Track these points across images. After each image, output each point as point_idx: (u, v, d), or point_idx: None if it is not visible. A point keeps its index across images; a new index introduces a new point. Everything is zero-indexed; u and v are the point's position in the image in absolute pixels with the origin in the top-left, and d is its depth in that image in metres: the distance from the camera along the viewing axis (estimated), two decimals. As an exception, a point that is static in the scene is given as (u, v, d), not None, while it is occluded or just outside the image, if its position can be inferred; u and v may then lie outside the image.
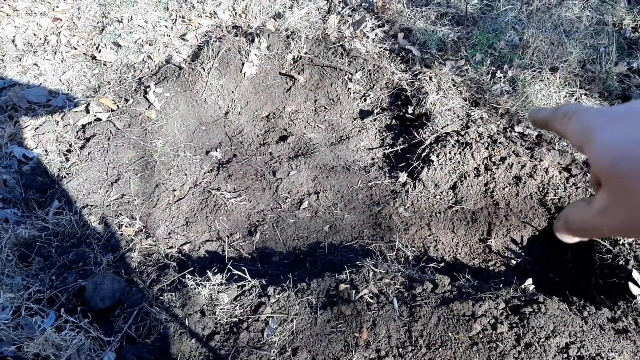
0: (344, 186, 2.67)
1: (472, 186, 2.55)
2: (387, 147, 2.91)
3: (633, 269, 2.08)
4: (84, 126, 2.84)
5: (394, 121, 3.04)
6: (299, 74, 3.19)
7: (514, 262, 2.43)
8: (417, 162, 2.68)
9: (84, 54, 3.27)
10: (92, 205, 2.47)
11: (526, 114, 2.88)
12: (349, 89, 3.13)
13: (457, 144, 2.64)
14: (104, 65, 3.22)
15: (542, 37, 3.37)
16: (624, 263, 2.15)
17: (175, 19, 3.53)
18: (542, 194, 2.48)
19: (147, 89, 2.96)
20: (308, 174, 2.73)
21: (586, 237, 0.47)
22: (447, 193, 2.59)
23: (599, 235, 0.44)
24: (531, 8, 3.64)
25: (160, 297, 2.01)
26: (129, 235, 2.36)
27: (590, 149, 0.41)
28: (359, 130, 2.99)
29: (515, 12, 3.64)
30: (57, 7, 3.54)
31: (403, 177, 2.66)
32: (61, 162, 2.66)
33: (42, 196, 2.52)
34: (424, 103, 2.91)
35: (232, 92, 3.13)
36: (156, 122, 2.88)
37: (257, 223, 2.53)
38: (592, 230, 0.44)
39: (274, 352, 1.79)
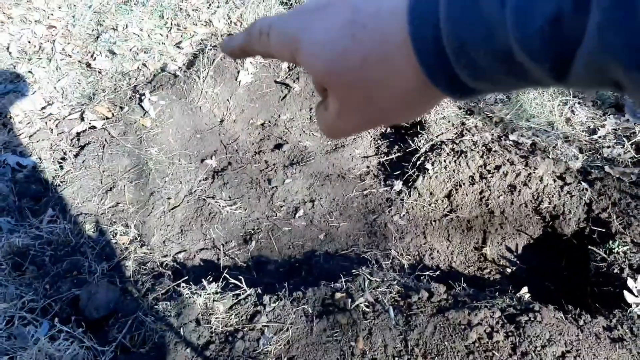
0: (339, 194, 2.67)
1: (467, 194, 2.56)
2: (382, 155, 2.92)
3: (628, 277, 2.09)
4: (78, 134, 2.83)
5: (389, 129, 3.05)
6: (294, 82, 3.19)
7: (509, 270, 2.43)
8: (412, 171, 2.68)
9: (79, 61, 3.26)
10: (86, 214, 2.46)
11: (520, 123, 2.90)
12: (344, 97, 3.13)
13: (452, 153, 2.64)
14: (99, 73, 3.21)
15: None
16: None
17: (171, 27, 3.53)
18: (537, 202, 2.49)
19: (142, 97, 2.95)
20: (303, 182, 2.73)
21: (338, 137, 0.47)
22: (442, 201, 2.59)
23: (346, 135, 0.45)
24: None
25: (155, 306, 2.00)
26: (123, 244, 2.35)
27: (301, 56, 0.38)
28: (354, 139, 3.00)
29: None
30: (52, 14, 3.53)
31: (398, 185, 2.66)
32: (55, 170, 2.65)
33: (36, 204, 2.51)
34: (419, 111, 2.91)
35: (228, 100, 3.13)
36: (151, 130, 2.88)
37: (252, 231, 2.53)
38: (339, 133, 0.44)
39: (269, 361, 1.79)
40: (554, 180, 2.52)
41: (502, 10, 0.28)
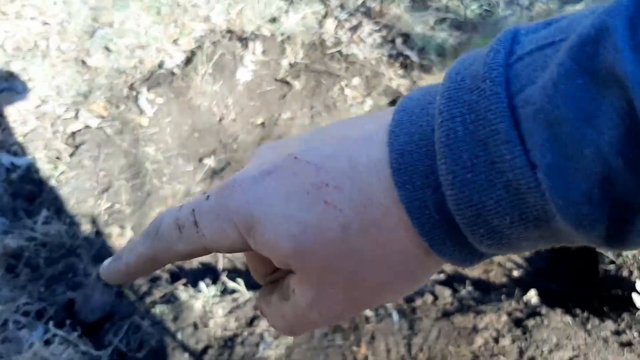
0: (341, 194, 2.64)
1: (471, 194, 2.53)
2: (384, 154, 2.89)
3: (637, 280, 2.06)
4: (73, 133, 2.80)
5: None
6: (295, 80, 3.16)
7: (516, 273, 2.40)
8: (415, 170, 2.65)
9: (74, 59, 3.23)
10: (81, 215, 2.44)
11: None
12: (345, 95, 3.11)
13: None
14: (95, 70, 3.17)
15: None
16: (627, 274, 2.13)
17: (168, 23, 3.49)
18: (543, 203, 2.46)
19: (139, 95, 2.93)
20: (304, 182, 2.69)
21: (306, 331, 0.37)
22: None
23: (318, 328, 0.36)
24: (531, 14, 3.64)
25: (152, 310, 1.99)
26: (119, 246, 2.33)
27: (257, 236, 0.30)
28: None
29: (515, 18, 3.63)
30: (47, 11, 3.49)
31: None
32: (50, 169, 2.62)
33: (31, 205, 2.48)
34: (422, 109, 2.89)
35: (227, 98, 3.09)
36: (148, 129, 2.85)
37: (251, 232, 2.50)
38: (309, 326, 0.34)
39: (269, 368, 1.77)
40: (560, 180, 2.49)
41: (532, 173, 0.23)
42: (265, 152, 0.34)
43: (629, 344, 1.83)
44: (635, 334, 1.87)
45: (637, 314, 1.95)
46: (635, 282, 2.06)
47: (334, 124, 0.34)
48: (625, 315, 1.95)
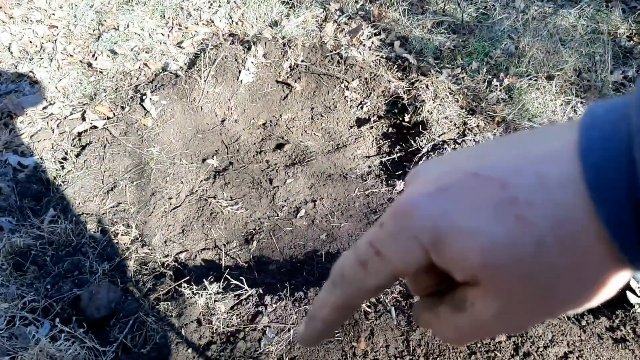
0: (341, 194, 2.67)
1: (469, 194, 2.55)
2: (384, 155, 2.91)
3: (631, 278, 2.07)
4: (79, 134, 2.83)
5: (390, 129, 3.05)
6: (295, 82, 3.19)
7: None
8: (414, 170, 2.67)
9: (80, 61, 3.26)
10: (87, 214, 2.46)
11: (522, 122, 2.89)
12: (345, 97, 3.13)
13: (454, 152, 2.64)
14: (100, 72, 3.21)
15: (537, 45, 3.39)
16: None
17: (172, 27, 3.53)
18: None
19: (144, 97, 2.95)
20: (305, 182, 2.72)
21: (474, 340, 0.38)
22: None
23: (489, 337, 0.37)
24: (527, 17, 3.66)
25: (157, 307, 2.00)
26: (124, 244, 2.35)
27: (444, 249, 0.31)
28: (355, 138, 2.99)
29: (511, 21, 3.66)
30: (54, 14, 3.53)
31: (400, 185, 2.66)
32: (57, 169, 2.65)
33: (38, 204, 2.50)
34: (421, 111, 2.91)
35: (229, 99, 3.12)
36: (152, 130, 2.88)
37: (253, 231, 2.52)
38: (483, 336, 0.35)
39: (271, 362, 1.78)
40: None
41: None
42: (430, 170, 0.34)
43: (623, 340, 1.84)
44: (630, 330, 1.87)
45: (631, 311, 1.95)
46: (629, 280, 2.07)
47: (498, 141, 0.34)
48: (620, 312, 1.96)
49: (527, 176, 0.29)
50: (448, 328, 0.36)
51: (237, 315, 1.95)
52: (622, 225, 0.27)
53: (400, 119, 3.00)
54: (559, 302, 0.31)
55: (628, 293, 2.01)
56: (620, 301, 2.03)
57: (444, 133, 2.81)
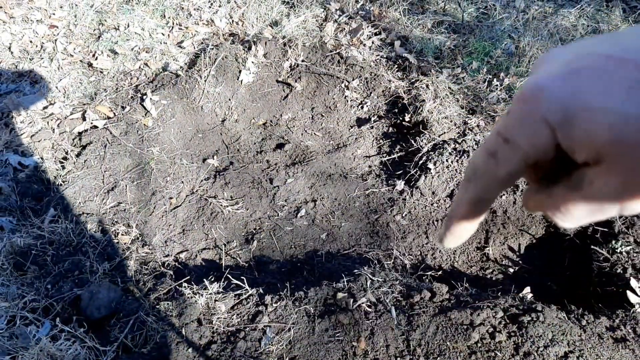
0: (341, 194, 2.67)
1: (469, 194, 2.55)
2: (384, 154, 2.91)
3: (631, 277, 2.08)
4: (80, 134, 2.83)
5: (391, 129, 3.05)
6: (296, 81, 3.19)
7: (511, 270, 2.42)
8: (414, 170, 2.68)
9: (81, 61, 3.26)
10: (88, 213, 2.46)
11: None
12: (345, 96, 3.13)
13: (454, 152, 2.64)
14: (101, 72, 3.21)
15: (538, 45, 3.39)
16: (621, 271, 2.15)
17: (172, 27, 3.53)
18: (540, 202, 2.48)
19: (144, 97, 2.95)
20: (305, 182, 2.72)
21: (585, 222, 0.38)
22: (445, 201, 2.59)
23: (602, 218, 0.36)
24: (527, 16, 3.66)
25: (157, 306, 2.00)
26: (125, 244, 2.35)
27: (572, 126, 0.32)
28: (356, 138, 2.99)
29: (511, 21, 3.66)
30: (54, 14, 3.53)
31: (400, 185, 2.66)
32: (57, 169, 2.65)
33: (38, 204, 2.51)
34: (421, 111, 2.91)
35: (229, 99, 3.12)
36: (153, 130, 2.88)
37: (254, 231, 2.52)
38: (597, 216, 0.36)
39: (271, 361, 1.78)
40: (557, 180, 2.51)
41: None
42: (559, 55, 0.35)
43: (623, 339, 1.84)
44: (630, 330, 1.87)
45: (631, 311, 1.95)
46: (629, 279, 2.07)
47: (628, 29, 0.34)
48: (620, 312, 1.96)
49: None
50: (560, 205, 0.37)
51: (238, 314, 1.96)
52: None
53: (401, 118, 3.00)
54: None
55: (628, 293, 2.02)
56: (620, 301, 2.03)
57: (444, 133, 2.81)
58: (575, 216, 0.37)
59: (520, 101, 0.34)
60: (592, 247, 2.31)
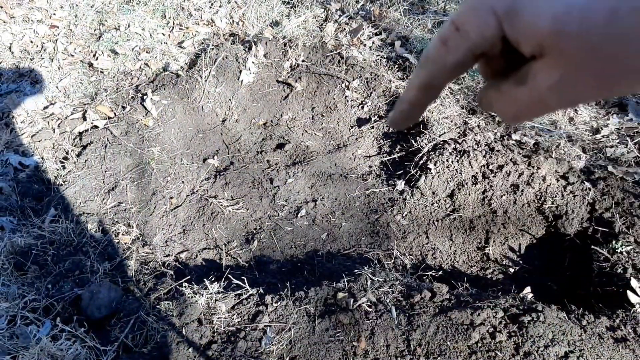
0: (342, 194, 2.67)
1: (469, 194, 2.55)
2: (385, 155, 2.91)
3: (631, 277, 2.08)
4: (80, 133, 2.84)
5: (391, 129, 3.04)
6: (296, 81, 3.19)
7: (512, 270, 2.42)
8: (415, 170, 2.68)
9: (81, 61, 3.27)
10: (88, 213, 2.46)
11: (523, 122, 2.88)
12: (346, 96, 3.13)
13: (455, 152, 2.64)
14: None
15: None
16: (622, 271, 2.15)
17: (173, 27, 3.53)
18: (540, 202, 2.49)
19: (144, 97, 2.95)
20: (305, 182, 2.72)
21: (529, 119, 0.39)
22: (445, 201, 2.59)
23: (544, 114, 0.37)
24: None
25: (157, 306, 2.00)
26: (125, 244, 2.35)
27: (516, 18, 0.32)
28: (356, 138, 2.99)
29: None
30: (54, 14, 3.54)
31: (400, 185, 2.66)
32: (58, 169, 2.65)
33: (38, 204, 2.51)
34: (422, 111, 2.91)
35: (230, 99, 3.12)
36: (153, 130, 2.88)
37: (254, 231, 2.52)
38: (539, 111, 0.36)
39: (271, 361, 1.78)
40: (557, 180, 2.51)
41: None
42: None
43: (623, 339, 1.84)
44: (630, 330, 1.87)
45: (631, 311, 1.95)
46: (629, 279, 2.07)
47: None
48: (620, 312, 1.96)
49: None
50: (507, 102, 0.37)
51: (238, 314, 1.96)
52: None
53: (401, 118, 3.00)
54: (622, 75, 0.31)
55: (628, 293, 2.01)
56: (620, 301, 2.03)
57: (445, 133, 2.81)
58: (519, 114, 0.37)
59: None
60: (592, 247, 2.31)
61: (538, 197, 2.50)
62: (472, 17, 0.35)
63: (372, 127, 3.04)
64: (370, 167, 2.85)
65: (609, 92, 0.33)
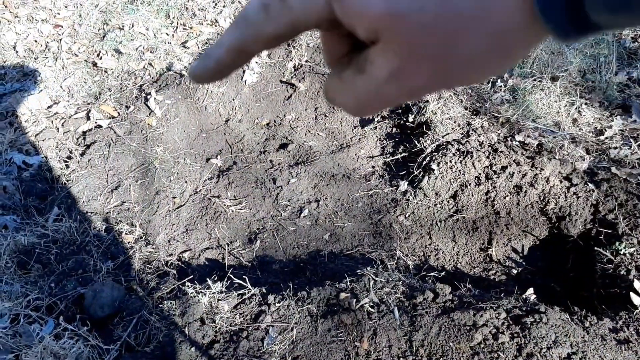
0: (345, 194, 2.67)
1: (472, 195, 2.55)
2: (388, 155, 2.91)
3: (635, 279, 2.07)
4: (84, 133, 2.84)
5: (394, 129, 3.04)
6: (299, 82, 3.19)
7: (514, 271, 2.42)
8: (418, 171, 2.68)
9: (85, 60, 3.28)
10: (92, 212, 2.47)
11: (526, 123, 2.88)
12: (349, 97, 3.12)
13: (458, 153, 2.64)
14: (105, 72, 3.22)
15: (542, 46, 3.38)
16: (625, 273, 2.14)
17: (177, 27, 3.54)
18: (543, 203, 2.48)
19: (148, 96, 2.96)
20: (308, 182, 2.73)
21: (373, 111, 0.35)
22: (448, 202, 2.58)
23: (388, 106, 0.33)
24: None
25: (160, 305, 2.00)
26: (128, 243, 2.35)
27: (344, 1, 0.29)
28: (359, 139, 2.99)
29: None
30: (59, 14, 3.55)
31: (403, 185, 2.66)
32: (61, 168, 2.66)
33: (42, 203, 2.51)
34: (425, 111, 2.91)
35: (233, 99, 3.13)
36: (157, 129, 2.88)
37: (257, 231, 2.53)
38: (380, 103, 0.33)
39: (274, 361, 1.78)
40: (561, 181, 2.50)
41: None
42: None
43: (626, 341, 1.83)
44: (633, 331, 1.87)
45: (635, 312, 1.95)
46: (633, 281, 2.07)
47: None
48: (623, 314, 1.95)
49: None
50: (348, 93, 0.33)
51: (241, 314, 1.96)
52: None
53: (404, 119, 3.00)
54: (458, 64, 0.29)
55: (632, 294, 2.01)
56: (623, 302, 2.02)
57: (448, 134, 2.81)
58: (360, 107, 0.34)
59: None
60: (595, 248, 2.31)
61: (541, 198, 2.49)
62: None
63: (375, 128, 3.04)
64: (373, 167, 2.85)
65: (448, 82, 0.31)
